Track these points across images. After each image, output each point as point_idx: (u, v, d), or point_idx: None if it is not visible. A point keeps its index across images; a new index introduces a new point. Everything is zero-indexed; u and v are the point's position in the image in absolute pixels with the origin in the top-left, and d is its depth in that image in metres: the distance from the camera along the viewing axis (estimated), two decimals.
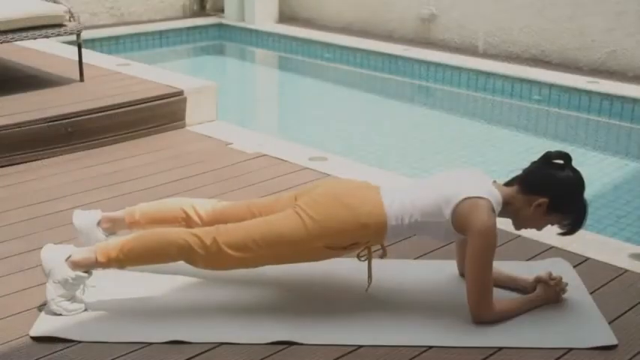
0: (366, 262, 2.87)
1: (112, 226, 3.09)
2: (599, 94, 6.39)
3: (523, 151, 5.80)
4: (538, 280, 2.91)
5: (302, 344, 2.63)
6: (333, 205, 2.71)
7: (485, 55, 7.72)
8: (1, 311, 2.81)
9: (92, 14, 8.50)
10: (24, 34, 4.90)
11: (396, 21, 8.48)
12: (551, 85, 6.67)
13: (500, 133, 6.26)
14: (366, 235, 2.73)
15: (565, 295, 2.93)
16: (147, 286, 2.95)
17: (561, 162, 2.79)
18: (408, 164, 5.28)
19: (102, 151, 4.60)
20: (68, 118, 4.59)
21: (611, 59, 7.02)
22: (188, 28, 9.00)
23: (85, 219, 3.08)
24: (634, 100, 6.19)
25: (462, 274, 3.02)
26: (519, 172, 2.86)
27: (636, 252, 3.35)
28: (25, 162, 4.36)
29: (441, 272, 3.13)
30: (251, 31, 8.99)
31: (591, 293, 2.98)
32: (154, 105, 4.95)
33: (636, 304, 2.91)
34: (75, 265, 2.72)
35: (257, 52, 9.11)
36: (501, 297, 2.84)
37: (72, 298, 2.75)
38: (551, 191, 2.74)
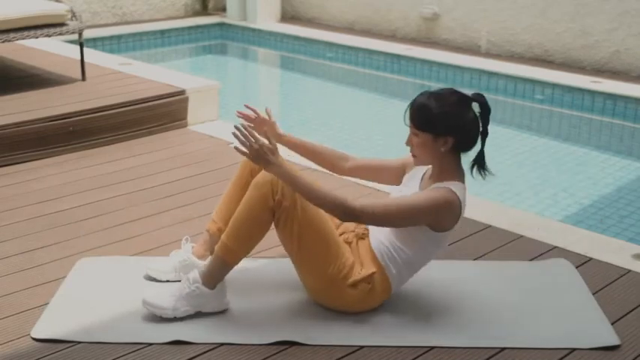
0: None
1: (203, 251, 3.04)
2: (602, 93, 6.37)
3: (526, 150, 5.79)
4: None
5: (304, 344, 2.62)
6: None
7: (488, 54, 7.71)
8: (1, 311, 2.80)
9: (94, 13, 8.50)
10: (26, 33, 4.90)
11: (399, 20, 8.46)
12: (554, 85, 6.65)
13: (502, 133, 6.24)
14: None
15: (568, 296, 2.92)
16: (147, 287, 2.94)
17: None
18: None
19: (103, 151, 4.59)
20: (70, 118, 4.58)
21: (614, 59, 7.00)
22: (190, 28, 8.99)
23: (178, 256, 3.03)
24: (637, 100, 6.17)
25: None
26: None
27: (639, 252, 3.34)
28: (26, 162, 4.36)
29: (442, 273, 3.12)
30: (253, 30, 8.97)
31: (594, 293, 2.97)
32: (155, 104, 4.94)
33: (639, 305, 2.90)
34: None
35: (259, 51, 9.10)
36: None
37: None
38: (430, 122, 2.66)
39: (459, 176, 2.71)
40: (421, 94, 2.69)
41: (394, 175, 2.93)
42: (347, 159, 3.00)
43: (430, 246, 2.74)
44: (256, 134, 2.63)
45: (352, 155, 3.02)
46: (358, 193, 3.80)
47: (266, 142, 2.62)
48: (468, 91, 2.71)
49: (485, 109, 2.66)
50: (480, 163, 2.71)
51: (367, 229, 2.83)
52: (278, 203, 2.64)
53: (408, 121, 2.68)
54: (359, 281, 2.70)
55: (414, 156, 2.72)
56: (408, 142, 2.71)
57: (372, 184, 3.73)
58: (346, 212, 2.56)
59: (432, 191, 2.64)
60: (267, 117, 2.94)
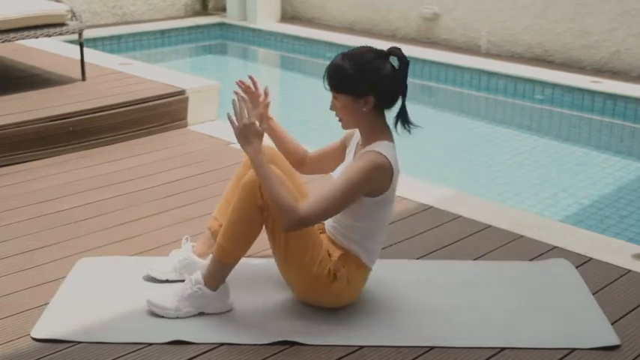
0: None
1: (206, 248, 3.04)
2: (602, 93, 6.36)
3: (526, 150, 5.79)
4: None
5: (304, 344, 2.62)
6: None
7: (488, 54, 7.70)
8: (1, 311, 2.80)
9: (94, 13, 8.49)
10: (26, 33, 4.90)
11: (399, 20, 8.46)
12: (554, 85, 6.65)
13: (503, 133, 6.24)
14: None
15: (568, 296, 2.92)
16: (147, 287, 2.94)
17: None
18: (409, 164, 5.26)
19: (103, 151, 4.59)
20: (70, 118, 4.58)
21: (614, 59, 6.99)
22: (190, 28, 8.98)
23: (178, 255, 3.03)
24: (637, 100, 6.17)
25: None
26: None
27: (639, 252, 3.33)
28: (26, 162, 4.35)
29: (442, 272, 3.12)
30: (253, 30, 8.97)
31: (594, 294, 2.97)
32: (155, 104, 4.94)
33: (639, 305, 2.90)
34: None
35: (259, 51, 9.10)
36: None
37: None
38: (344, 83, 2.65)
39: (386, 134, 2.70)
40: (337, 55, 2.68)
41: (341, 154, 2.92)
42: (307, 155, 3.02)
43: (375, 212, 2.72)
44: (252, 113, 2.64)
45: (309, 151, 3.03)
46: None
47: (257, 123, 2.63)
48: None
49: (404, 62, 2.65)
50: (403, 117, 2.70)
51: (323, 222, 2.84)
52: (266, 203, 2.64)
53: (326, 86, 2.67)
54: (335, 270, 2.70)
55: (339, 120, 2.72)
56: (332, 107, 2.70)
57: None
58: (291, 220, 2.56)
59: (359, 161, 2.63)
60: (263, 94, 2.88)
